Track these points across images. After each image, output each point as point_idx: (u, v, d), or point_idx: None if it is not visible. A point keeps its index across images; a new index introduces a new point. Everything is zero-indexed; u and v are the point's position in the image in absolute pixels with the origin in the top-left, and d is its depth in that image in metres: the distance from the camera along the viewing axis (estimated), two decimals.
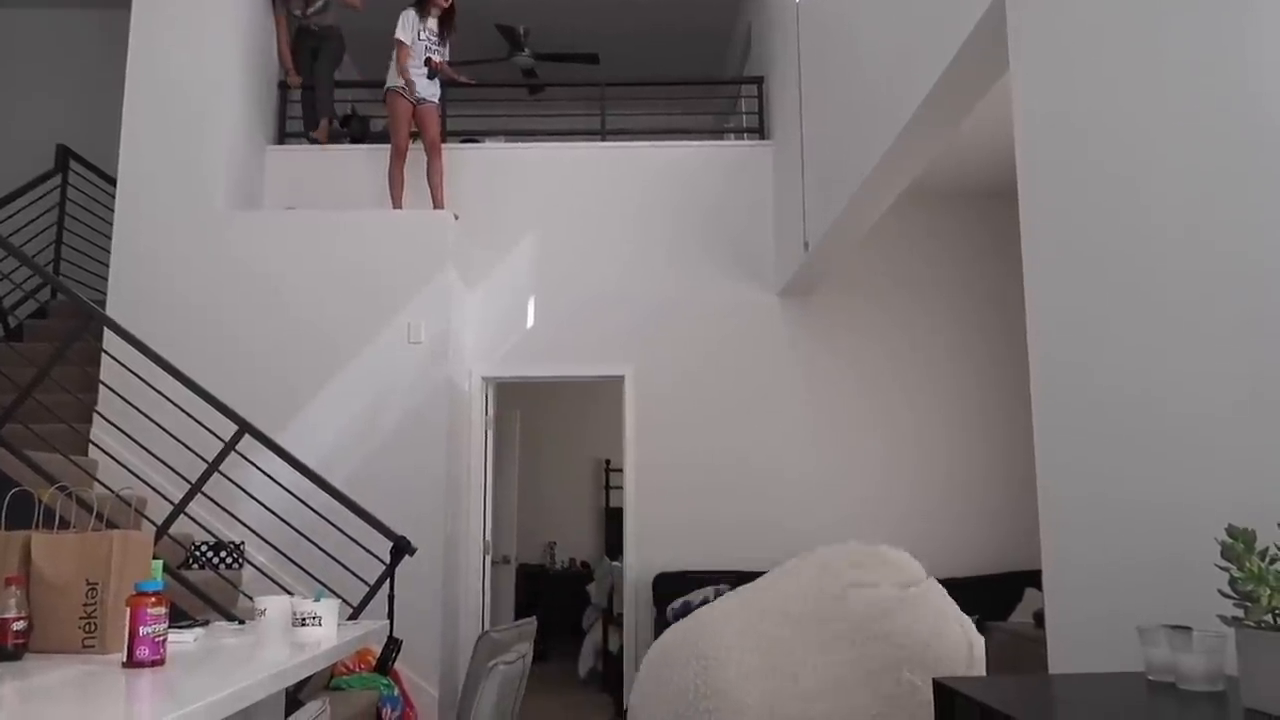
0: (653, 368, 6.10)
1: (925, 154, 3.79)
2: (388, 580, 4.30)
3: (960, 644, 2.99)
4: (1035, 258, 2.32)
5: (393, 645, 4.36)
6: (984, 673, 2.88)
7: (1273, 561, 1.29)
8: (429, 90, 5.90)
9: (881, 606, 2.99)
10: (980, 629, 5.32)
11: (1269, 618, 1.26)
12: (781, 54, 5.90)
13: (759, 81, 6.66)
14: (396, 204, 5.83)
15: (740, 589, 3.19)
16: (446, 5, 5.94)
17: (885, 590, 3.05)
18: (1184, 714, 1.33)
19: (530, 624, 2.43)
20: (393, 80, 5.84)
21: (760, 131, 6.54)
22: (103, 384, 4.69)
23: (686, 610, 4.78)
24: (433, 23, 5.94)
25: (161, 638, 1.92)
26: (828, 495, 6.04)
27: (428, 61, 5.88)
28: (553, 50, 7.45)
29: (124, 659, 1.90)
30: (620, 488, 6.33)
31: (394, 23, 5.86)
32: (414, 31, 5.84)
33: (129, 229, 5.44)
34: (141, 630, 1.89)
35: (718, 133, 8.23)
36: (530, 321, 6.16)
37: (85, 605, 2.11)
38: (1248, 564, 1.28)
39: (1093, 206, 2.06)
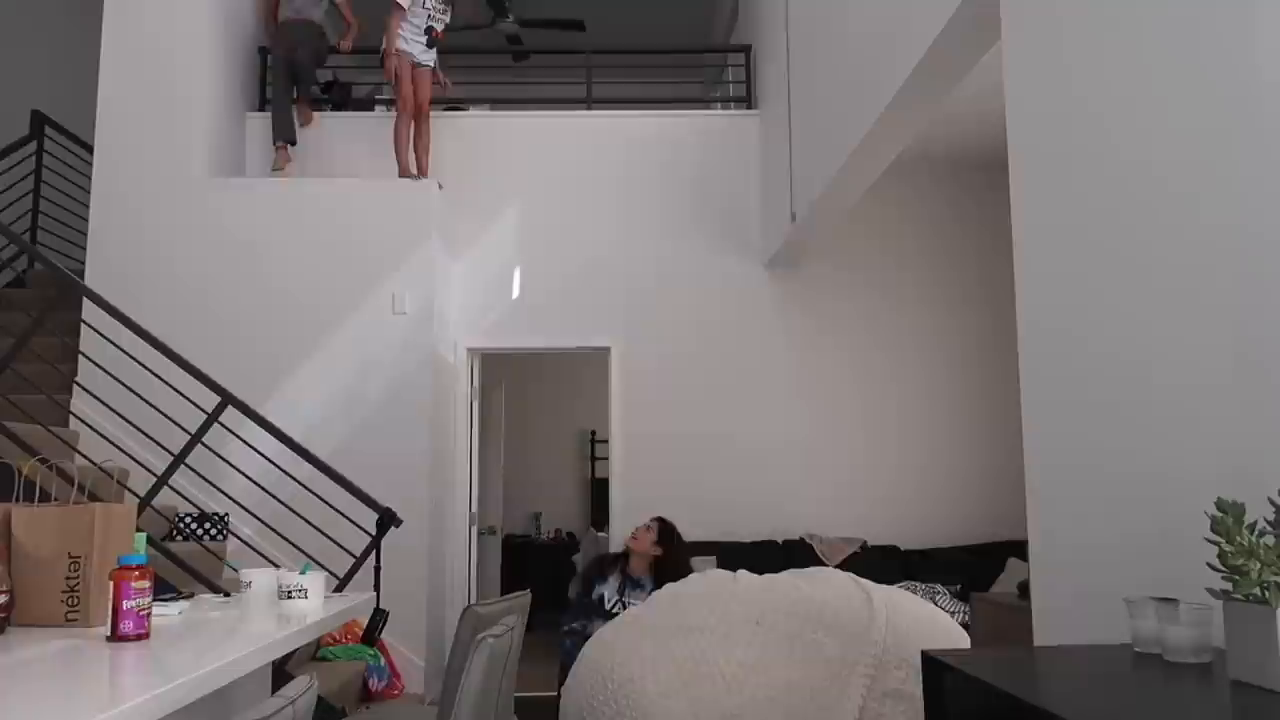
0: (639, 339, 6.09)
1: (914, 125, 3.77)
2: (374, 552, 4.29)
3: (856, 595, 3.12)
4: (1026, 228, 2.31)
5: (379, 616, 4.36)
6: (886, 619, 3.01)
7: (1261, 535, 1.29)
8: (426, 56, 5.83)
9: (771, 585, 3.19)
10: (964, 599, 5.39)
11: (1257, 591, 1.26)
12: (769, 22, 5.85)
13: (746, 50, 6.60)
14: (403, 163, 5.74)
15: (632, 616, 3.34)
16: None
17: (767, 575, 3.28)
18: (1171, 685, 1.34)
19: (524, 597, 2.43)
20: (392, 42, 5.76)
21: (747, 101, 6.49)
22: (82, 354, 4.64)
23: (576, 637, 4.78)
24: None
25: (146, 611, 1.91)
26: (815, 465, 6.06)
27: (429, 30, 5.79)
28: (538, 17, 7.34)
29: (108, 633, 1.88)
30: (605, 459, 6.33)
31: None
32: None
33: (107, 197, 5.35)
34: (125, 604, 1.87)
35: (704, 102, 8.17)
36: (515, 292, 6.12)
37: (68, 579, 2.09)
38: (1238, 538, 1.28)
39: (1083, 177, 2.05)
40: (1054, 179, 2.18)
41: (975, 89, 3.69)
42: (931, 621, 3.22)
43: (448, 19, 5.94)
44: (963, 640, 3.24)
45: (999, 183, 2.45)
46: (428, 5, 5.79)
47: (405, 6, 5.72)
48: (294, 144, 5.87)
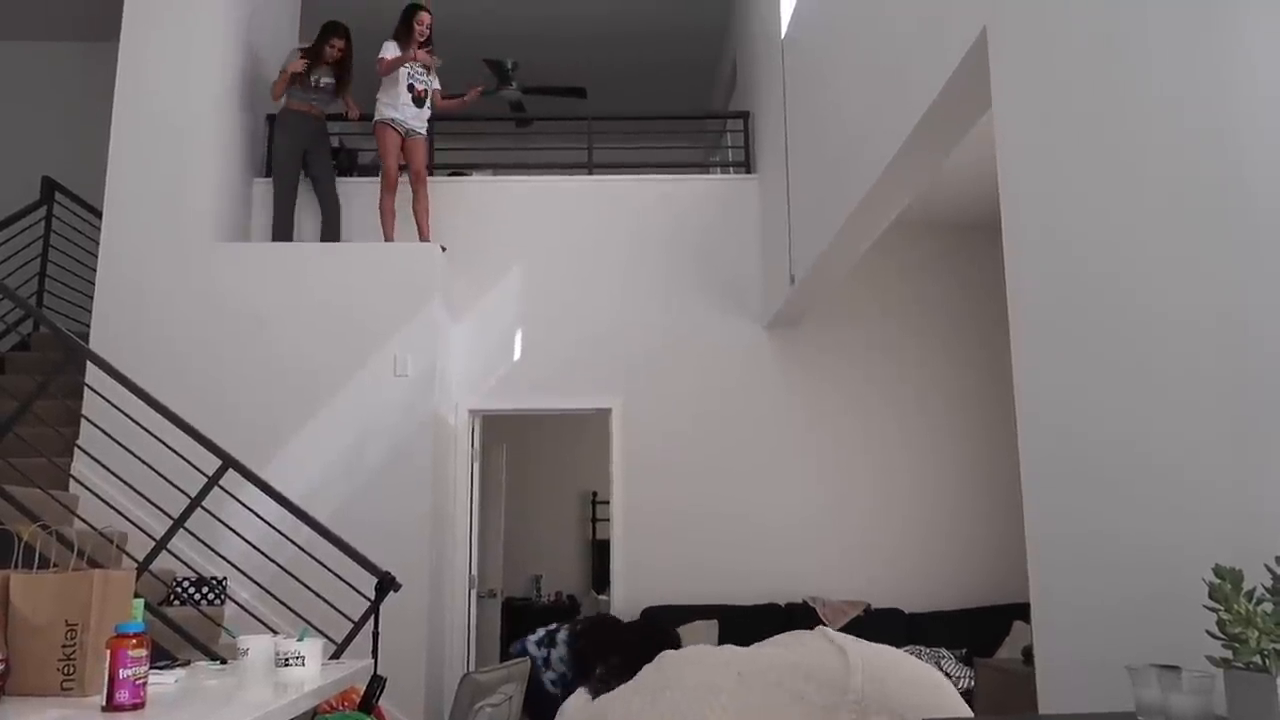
0: (640, 400, 6.10)
1: (910, 188, 3.82)
2: (372, 617, 4.24)
3: (829, 652, 3.11)
4: (1020, 295, 2.33)
5: (377, 683, 4.28)
6: (863, 667, 2.99)
7: (1259, 603, 1.29)
8: (417, 122, 5.92)
9: (755, 655, 3.22)
10: (969, 663, 5.32)
11: (1257, 659, 1.26)
12: (767, 89, 5.96)
13: (745, 116, 6.72)
14: (388, 235, 5.83)
15: (622, 687, 3.34)
16: (424, 37, 5.87)
17: (751, 646, 3.32)
18: None
19: (523, 664, 2.41)
20: (381, 113, 5.85)
21: (746, 165, 6.59)
22: (84, 418, 4.65)
23: (524, 650, 4.92)
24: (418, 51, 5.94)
25: (142, 680, 1.89)
26: (817, 527, 6.02)
27: (411, 88, 5.88)
28: (540, 84, 7.50)
29: (103, 703, 1.86)
30: (607, 520, 6.29)
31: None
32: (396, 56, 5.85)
33: (114, 261, 5.41)
34: (122, 673, 1.86)
35: (704, 167, 8.29)
36: (517, 354, 6.15)
37: (64, 647, 2.07)
38: (1235, 606, 1.28)
39: (1075, 244, 2.08)
40: (1045, 246, 2.21)
41: (976, 153, 3.75)
42: (914, 673, 3.19)
43: (430, 81, 6.00)
44: (949, 690, 3.21)
45: (998, 240, 2.48)
46: (405, 65, 5.85)
47: (387, 58, 5.76)
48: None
